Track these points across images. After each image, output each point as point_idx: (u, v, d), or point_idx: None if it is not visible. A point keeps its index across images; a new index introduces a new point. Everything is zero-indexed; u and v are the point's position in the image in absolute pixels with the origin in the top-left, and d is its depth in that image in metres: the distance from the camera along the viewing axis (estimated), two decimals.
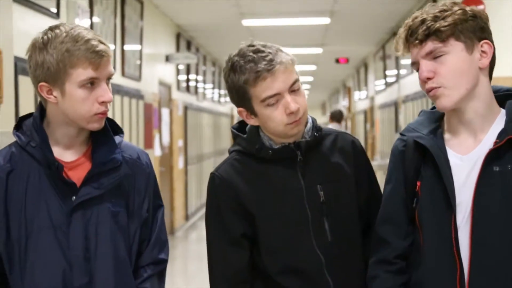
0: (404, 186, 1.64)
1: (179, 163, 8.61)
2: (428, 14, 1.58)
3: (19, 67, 3.59)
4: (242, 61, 1.68)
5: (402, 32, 1.62)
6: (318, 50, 10.75)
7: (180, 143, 8.72)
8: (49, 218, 1.62)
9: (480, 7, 1.64)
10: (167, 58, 7.89)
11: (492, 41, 1.60)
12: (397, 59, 8.76)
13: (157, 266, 1.75)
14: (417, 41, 1.57)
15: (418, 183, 1.61)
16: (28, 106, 3.77)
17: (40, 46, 1.60)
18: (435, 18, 1.57)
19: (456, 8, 1.58)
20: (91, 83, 1.61)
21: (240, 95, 1.71)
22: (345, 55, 11.28)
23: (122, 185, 1.69)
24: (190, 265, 7.21)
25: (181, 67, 8.79)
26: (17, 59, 3.52)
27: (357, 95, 14.36)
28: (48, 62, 1.58)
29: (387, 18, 8.19)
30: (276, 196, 1.71)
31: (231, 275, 1.73)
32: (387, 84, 9.74)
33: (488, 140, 1.56)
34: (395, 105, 8.91)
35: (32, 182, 1.63)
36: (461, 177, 1.56)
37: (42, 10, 4.06)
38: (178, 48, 8.56)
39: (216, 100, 12.53)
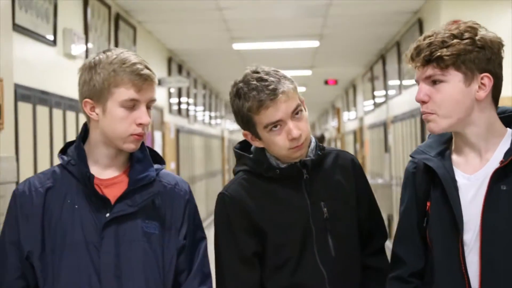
0: (416, 207, 1.69)
1: None
2: (437, 37, 1.59)
3: (19, 94, 3.68)
4: (246, 88, 1.76)
5: (410, 49, 1.64)
6: (308, 72, 10.90)
7: (172, 165, 8.79)
8: (82, 233, 1.67)
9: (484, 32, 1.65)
10: (160, 82, 7.99)
11: (497, 72, 1.61)
12: (385, 80, 8.91)
13: None
14: (419, 64, 1.61)
15: (428, 203, 1.66)
16: (27, 132, 3.85)
17: (90, 65, 1.70)
18: (442, 44, 1.58)
19: (466, 35, 1.58)
20: (132, 105, 1.68)
21: (244, 120, 1.79)
22: (334, 77, 11.44)
23: (158, 208, 1.72)
24: None
25: (173, 90, 8.89)
26: (16, 86, 3.61)
27: (346, 115, 14.51)
28: (95, 80, 1.68)
29: (375, 41, 8.35)
30: (283, 213, 1.77)
31: None
32: (376, 105, 9.87)
33: (494, 159, 1.60)
34: (384, 126, 9.03)
35: (69, 198, 1.69)
36: (468, 196, 1.60)
37: (40, 38, 4.16)
38: (169, 72, 8.67)
39: (207, 123, 12.63)
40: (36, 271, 1.68)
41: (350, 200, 1.83)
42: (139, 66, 1.69)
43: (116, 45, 6.03)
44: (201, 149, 11.75)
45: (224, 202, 1.80)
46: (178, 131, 9.22)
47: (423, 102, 1.63)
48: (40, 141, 4.03)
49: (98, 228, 1.67)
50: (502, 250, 1.56)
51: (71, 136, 4.59)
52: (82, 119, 5.30)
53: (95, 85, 1.68)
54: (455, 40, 1.58)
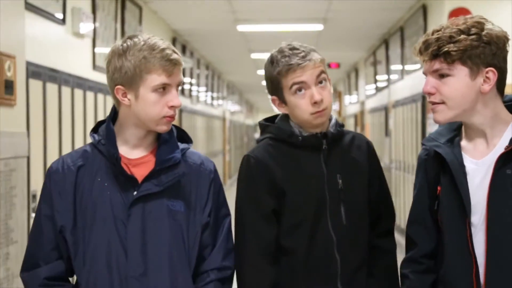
0: (427, 191, 1.79)
1: None
2: (444, 32, 1.67)
3: (30, 71, 3.77)
4: (280, 55, 1.93)
5: (419, 43, 1.72)
6: None
7: None
8: (111, 210, 1.74)
9: (489, 26, 1.71)
10: None
11: (502, 65, 1.68)
12: (387, 64, 8.97)
13: (220, 272, 1.82)
14: (427, 58, 1.70)
15: (439, 188, 1.76)
16: (37, 108, 3.94)
17: (119, 52, 1.74)
18: (449, 39, 1.65)
19: (473, 30, 1.66)
20: (163, 88, 1.74)
21: (274, 85, 1.95)
22: (337, 60, 11.49)
23: (183, 187, 1.79)
24: None
25: None
26: (28, 64, 3.69)
27: (347, 99, 14.58)
28: (126, 67, 1.73)
29: (378, 25, 8.40)
30: (302, 177, 1.92)
31: (263, 246, 1.89)
32: (378, 89, 9.94)
33: (501, 145, 1.68)
34: (385, 110, 9.10)
35: (99, 176, 1.77)
36: (476, 181, 1.68)
37: (50, 16, 4.23)
38: None
39: (209, 103, 12.70)
40: (68, 244, 1.76)
41: (363, 177, 1.97)
42: (168, 51, 1.73)
43: (123, 24, 6.10)
44: (203, 130, 11.84)
45: (249, 162, 1.94)
46: (181, 111, 9.29)
47: (430, 94, 1.71)
48: (49, 118, 4.12)
49: (126, 205, 1.74)
50: (507, 230, 1.65)
51: (79, 113, 4.68)
52: (90, 97, 5.37)
53: (127, 72, 1.73)
54: (462, 36, 1.65)
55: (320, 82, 1.92)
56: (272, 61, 1.95)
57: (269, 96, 2.01)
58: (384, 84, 9.29)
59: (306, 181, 1.92)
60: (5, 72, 3.26)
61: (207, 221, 1.81)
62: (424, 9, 6.54)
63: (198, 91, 11.04)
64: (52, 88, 4.20)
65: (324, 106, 1.91)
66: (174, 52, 1.76)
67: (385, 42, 9.01)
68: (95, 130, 1.83)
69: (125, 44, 1.75)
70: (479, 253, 1.68)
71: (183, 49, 9.46)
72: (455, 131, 1.79)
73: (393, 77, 8.54)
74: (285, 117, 2.00)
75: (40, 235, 1.79)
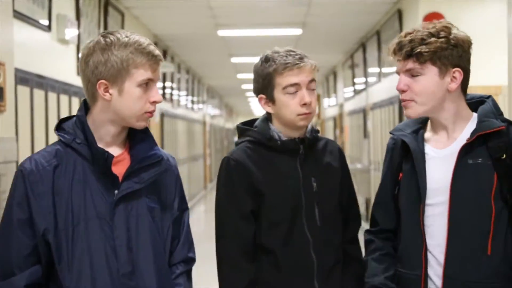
0: (391, 177, 1.98)
1: None
2: (416, 35, 1.84)
3: (18, 78, 3.85)
4: (276, 55, 2.00)
5: (393, 44, 1.88)
6: None
7: None
8: (94, 209, 1.72)
9: (461, 33, 1.86)
10: None
11: (466, 67, 1.86)
12: (365, 67, 9.14)
13: (187, 265, 1.86)
14: (401, 58, 1.86)
15: (400, 174, 1.94)
16: (25, 114, 4.03)
17: (103, 47, 1.72)
18: (421, 41, 1.82)
19: (442, 34, 1.83)
20: (146, 84, 1.74)
21: (265, 82, 2.01)
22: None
23: (156, 182, 1.80)
24: None
25: None
26: (16, 70, 3.78)
27: (326, 102, 14.74)
28: (113, 61, 1.71)
29: (355, 29, 8.57)
30: (279, 180, 2.01)
31: (243, 245, 1.99)
32: (356, 92, 10.09)
33: (461, 138, 1.87)
34: (364, 112, 9.26)
35: (77, 176, 1.73)
36: (437, 167, 1.87)
37: (36, 23, 4.32)
38: None
39: (189, 107, 12.79)
40: (51, 247, 1.70)
41: (336, 181, 2.07)
42: (152, 47, 1.75)
43: (106, 30, 6.17)
44: (184, 134, 11.92)
45: (229, 164, 2.01)
46: (162, 115, 9.38)
47: (402, 91, 1.88)
48: (36, 123, 4.20)
49: (109, 204, 1.73)
50: (467, 212, 1.84)
51: None
52: (75, 103, 5.40)
53: (113, 66, 1.71)
54: (432, 39, 1.82)
55: (311, 87, 2.00)
56: (266, 60, 2.00)
57: (254, 96, 2.07)
58: (362, 86, 9.45)
59: (283, 184, 2.00)
60: None
61: (176, 215, 1.85)
62: (400, 14, 6.72)
63: (179, 95, 11.12)
64: (39, 94, 4.29)
65: (311, 110, 2.00)
66: (156, 48, 1.78)
67: (363, 46, 9.19)
68: (58, 128, 1.78)
69: (108, 39, 1.73)
70: (442, 234, 1.85)
71: (164, 54, 9.54)
72: (420, 124, 1.96)
73: (371, 79, 8.70)
74: (265, 121, 2.07)
75: (13, 241, 1.70)
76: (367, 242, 2.03)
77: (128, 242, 1.73)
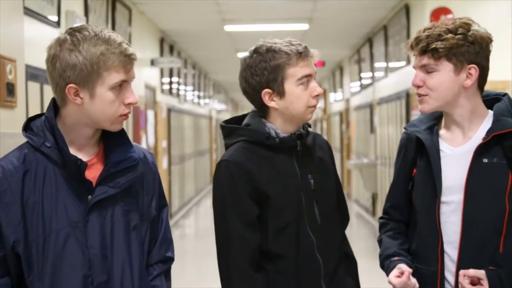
0: (404, 173, 1.97)
1: (163, 163, 8.87)
2: (434, 31, 1.83)
3: (28, 74, 3.88)
4: (280, 45, 1.86)
5: (411, 39, 1.88)
6: None
7: (164, 144, 8.99)
8: (67, 217, 1.61)
9: (476, 27, 1.84)
10: (152, 62, 8.17)
11: (484, 64, 1.85)
12: (371, 62, 9.14)
13: (165, 264, 1.76)
14: (417, 53, 1.87)
15: (414, 170, 1.94)
16: (36, 110, 4.06)
17: (70, 47, 1.57)
18: (438, 37, 1.82)
19: (460, 30, 1.82)
20: (120, 85, 1.61)
21: (274, 75, 1.85)
22: (322, 59, 11.64)
23: (133, 184, 1.68)
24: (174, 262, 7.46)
25: (164, 70, 9.07)
26: (26, 66, 3.81)
27: (332, 97, 14.74)
28: (82, 64, 1.56)
29: (362, 24, 8.57)
30: (281, 180, 1.89)
31: (249, 253, 1.85)
32: (362, 87, 10.10)
33: (476, 137, 1.87)
34: (370, 107, 9.27)
35: (48, 183, 1.61)
36: (452, 165, 1.87)
37: (46, 20, 4.35)
38: (161, 53, 8.85)
39: (196, 102, 12.82)
40: (22, 259, 1.61)
41: (330, 177, 1.99)
42: (124, 45, 1.60)
43: (113, 26, 6.21)
44: (190, 128, 11.95)
45: (229, 168, 1.86)
46: (169, 110, 9.41)
47: (418, 86, 1.89)
48: None
49: (83, 211, 1.62)
50: (481, 211, 1.84)
51: None
52: None
53: (82, 70, 1.57)
54: (449, 35, 1.82)
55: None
56: (272, 50, 1.85)
57: (245, 95, 1.93)
58: (368, 81, 9.45)
59: (284, 184, 1.88)
60: (6, 75, 3.38)
61: (154, 214, 1.74)
62: (407, 9, 6.72)
63: (185, 90, 11.16)
64: (49, 89, 4.30)
65: (318, 103, 1.93)
66: (128, 45, 1.63)
67: (369, 41, 9.18)
68: (26, 128, 1.65)
69: (75, 38, 1.58)
70: (455, 231, 1.87)
71: (171, 49, 9.57)
72: (435, 120, 1.96)
73: (378, 74, 8.71)
74: (256, 117, 1.93)
75: None
76: (381, 225, 2.04)
77: (102, 250, 1.63)
